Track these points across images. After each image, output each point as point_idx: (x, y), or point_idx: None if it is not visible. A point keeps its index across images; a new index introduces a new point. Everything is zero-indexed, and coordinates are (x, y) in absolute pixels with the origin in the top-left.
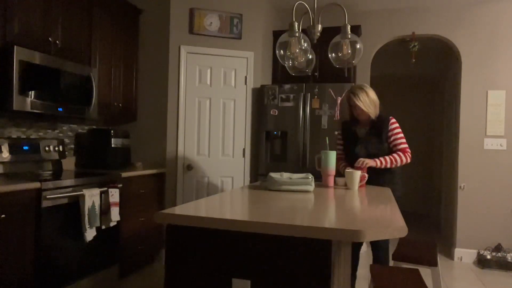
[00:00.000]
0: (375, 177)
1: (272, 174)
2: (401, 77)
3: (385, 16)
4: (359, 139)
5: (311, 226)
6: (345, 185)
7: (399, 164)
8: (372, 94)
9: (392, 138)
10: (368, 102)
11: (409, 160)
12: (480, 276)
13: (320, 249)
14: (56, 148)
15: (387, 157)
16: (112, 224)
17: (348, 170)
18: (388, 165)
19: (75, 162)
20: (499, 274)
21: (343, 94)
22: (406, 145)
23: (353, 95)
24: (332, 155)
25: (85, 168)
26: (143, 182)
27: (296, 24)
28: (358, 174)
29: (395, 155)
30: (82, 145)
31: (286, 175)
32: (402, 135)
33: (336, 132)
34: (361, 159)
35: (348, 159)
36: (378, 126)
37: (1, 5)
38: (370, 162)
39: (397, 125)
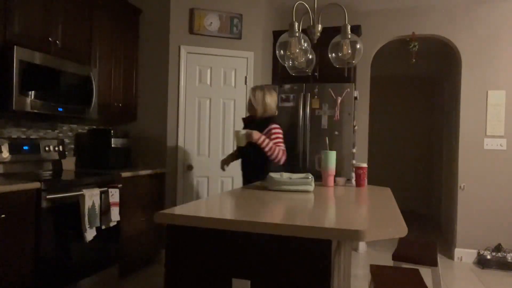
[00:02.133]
0: (251, 172)
1: (272, 174)
2: (401, 77)
3: (385, 16)
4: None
5: (311, 226)
6: (345, 185)
7: (274, 156)
8: (270, 98)
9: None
10: (260, 100)
11: (282, 161)
12: (480, 276)
13: (320, 249)
14: (56, 148)
15: (270, 142)
16: (112, 224)
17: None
18: (266, 148)
19: (75, 162)
20: (499, 274)
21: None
22: (284, 147)
23: (252, 90)
24: (332, 155)
25: (85, 168)
26: (143, 182)
27: (296, 24)
28: (243, 132)
29: (275, 146)
30: (82, 145)
31: (286, 175)
32: (280, 139)
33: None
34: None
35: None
36: (259, 124)
37: (1, 5)
38: (254, 134)
39: (277, 131)
